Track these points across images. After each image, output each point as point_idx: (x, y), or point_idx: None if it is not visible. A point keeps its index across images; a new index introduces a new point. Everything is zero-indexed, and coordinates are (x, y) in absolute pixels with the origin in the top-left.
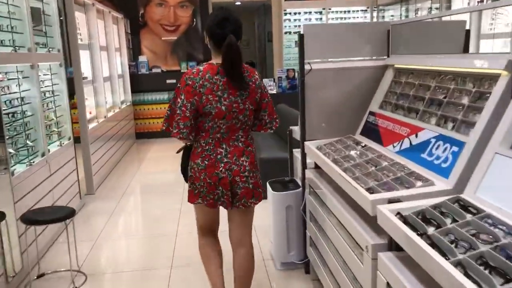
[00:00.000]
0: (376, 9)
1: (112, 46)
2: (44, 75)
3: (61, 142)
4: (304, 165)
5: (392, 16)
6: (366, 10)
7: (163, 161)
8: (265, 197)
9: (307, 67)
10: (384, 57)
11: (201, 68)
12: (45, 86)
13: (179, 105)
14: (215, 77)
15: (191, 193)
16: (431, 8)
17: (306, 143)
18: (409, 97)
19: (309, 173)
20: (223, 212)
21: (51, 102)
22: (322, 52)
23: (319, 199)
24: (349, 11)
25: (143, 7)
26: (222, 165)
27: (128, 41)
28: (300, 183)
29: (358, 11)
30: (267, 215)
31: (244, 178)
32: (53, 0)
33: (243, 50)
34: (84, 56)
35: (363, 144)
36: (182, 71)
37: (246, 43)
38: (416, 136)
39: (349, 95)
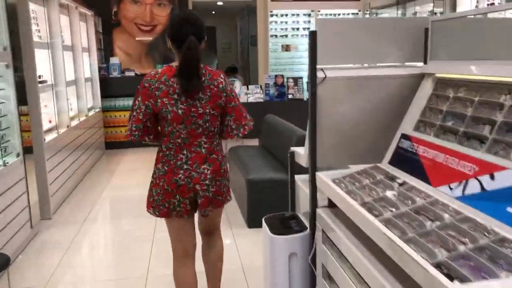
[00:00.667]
0: (368, 12)
1: (79, 46)
2: None
3: (4, 161)
4: (314, 202)
5: None
6: (357, 14)
7: (136, 174)
8: (228, 200)
9: (319, 74)
10: (420, 63)
11: (159, 70)
12: None
13: (135, 107)
14: (172, 79)
15: (148, 199)
16: (432, 11)
17: (318, 174)
18: (465, 118)
19: (322, 213)
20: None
21: None
22: (340, 55)
23: (336, 250)
24: (339, 14)
25: (117, 5)
26: (182, 171)
27: (99, 41)
28: (305, 221)
29: (348, 14)
30: (258, 254)
31: (205, 187)
32: None
33: (226, 54)
34: (42, 57)
35: (400, 181)
36: None
37: (228, 46)
38: (492, 178)
39: (373, 111)
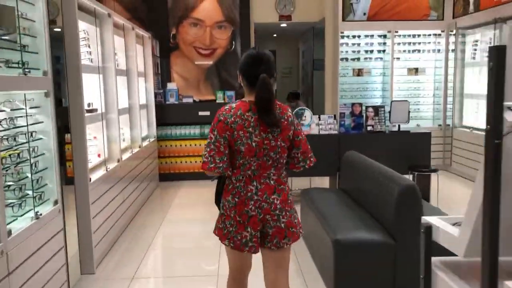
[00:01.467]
0: (453, 33)
1: (135, 70)
2: (13, 109)
3: (37, 212)
4: None
5: (476, 42)
6: (439, 35)
7: (193, 209)
8: (301, 233)
9: (509, 116)
10: None
11: (233, 105)
12: (16, 127)
13: (212, 140)
14: (247, 113)
15: (221, 232)
16: None
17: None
18: None
19: None
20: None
21: (25, 150)
22: None
23: None
24: (418, 35)
25: (175, 27)
26: (252, 202)
27: (156, 65)
28: None
29: (430, 35)
30: None
31: (276, 217)
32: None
33: (286, 79)
34: (93, 82)
35: None
36: (217, 101)
37: (289, 71)
38: None
39: None
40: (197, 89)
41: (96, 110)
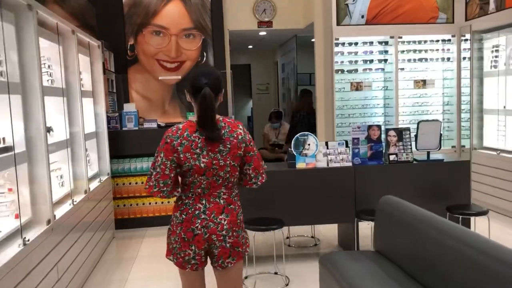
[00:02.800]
0: (466, 38)
1: (76, 88)
2: None
3: None
4: None
5: (497, 47)
6: (449, 40)
7: (162, 263)
8: (247, 252)
9: None
10: None
11: (180, 126)
12: None
13: (158, 163)
14: (194, 134)
15: (168, 246)
16: None
17: None
18: None
19: None
20: None
21: None
22: None
23: None
24: (425, 41)
25: (133, 36)
26: (199, 221)
27: (110, 83)
28: None
29: (438, 41)
30: None
31: (221, 237)
32: None
33: (262, 96)
34: (3, 106)
35: None
36: None
37: (265, 87)
38: None
39: None
40: (161, 111)
41: (10, 149)
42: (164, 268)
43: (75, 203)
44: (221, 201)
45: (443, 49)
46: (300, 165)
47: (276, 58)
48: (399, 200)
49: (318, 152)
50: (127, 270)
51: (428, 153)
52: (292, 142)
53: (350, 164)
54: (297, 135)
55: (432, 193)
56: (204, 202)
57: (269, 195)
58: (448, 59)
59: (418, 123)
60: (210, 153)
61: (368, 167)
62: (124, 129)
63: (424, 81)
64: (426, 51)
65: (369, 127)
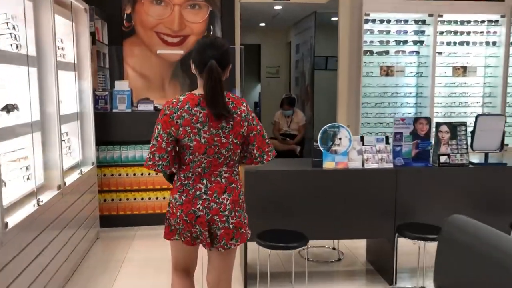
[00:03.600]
0: None
1: (51, 57)
2: None
3: None
4: None
5: None
6: (497, 21)
7: (155, 275)
8: (249, 234)
9: None
10: None
11: (181, 98)
12: None
13: (155, 135)
14: (195, 108)
15: (167, 229)
16: None
17: None
18: None
19: None
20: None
21: None
22: None
23: None
24: (468, 22)
25: (131, 5)
26: (200, 202)
27: (102, 56)
28: None
29: (484, 21)
30: None
31: (224, 218)
32: None
33: (272, 80)
34: None
35: None
36: None
37: (276, 70)
38: None
39: None
40: (160, 91)
41: None
42: (155, 274)
43: (41, 203)
44: (223, 180)
45: (488, 32)
46: (328, 164)
47: (289, 38)
48: (474, 223)
49: (352, 149)
50: (112, 276)
51: (487, 155)
52: (319, 135)
53: (391, 165)
54: (326, 126)
55: (491, 204)
56: (205, 182)
57: (288, 202)
58: (494, 43)
59: (476, 117)
60: (211, 129)
61: (413, 170)
62: (114, 111)
63: (464, 68)
64: (468, 33)
65: (416, 119)
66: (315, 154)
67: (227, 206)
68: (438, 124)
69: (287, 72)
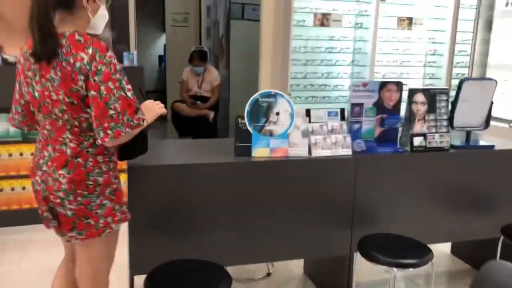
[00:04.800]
0: None
1: None
2: None
3: None
4: None
5: None
6: None
7: None
8: (109, 229)
9: None
10: None
11: None
12: None
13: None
14: (30, 51)
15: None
16: None
17: None
18: None
19: None
20: None
21: None
22: None
23: None
24: None
25: None
26: (40, 173)
27: None
28: None
29: None
30: None
31: (59, 200)
32: None
33: (179, 30)
34: None
35: None
36: None
37: (183, 19)
38: None
39: None
40: (25, 37)
41: None
42: None
43: None
44: (68, 150)
45: None
46: (260, 152)
47: None
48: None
49: (294, 129)
50: None
51: (468, 134)
52: (246, 107)
53: (349, 151)
54: (257, 94)
55: (480, 203)
56: (49, 148)
57: (195, 214)
58: None
59: (460, 82)
60: (42, 80)
61: (378, 158)
62: None
63: (410, 20)
64: None
65: (383, 85)
66: (239, 137)
67: (62, 186)
68: (412, 92)
69: (197, 21)
